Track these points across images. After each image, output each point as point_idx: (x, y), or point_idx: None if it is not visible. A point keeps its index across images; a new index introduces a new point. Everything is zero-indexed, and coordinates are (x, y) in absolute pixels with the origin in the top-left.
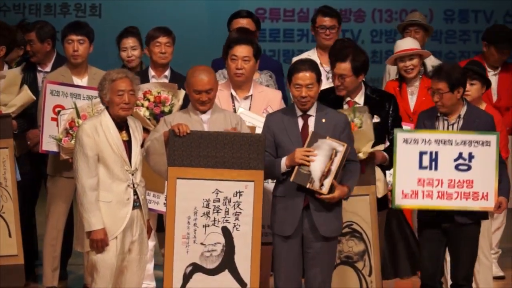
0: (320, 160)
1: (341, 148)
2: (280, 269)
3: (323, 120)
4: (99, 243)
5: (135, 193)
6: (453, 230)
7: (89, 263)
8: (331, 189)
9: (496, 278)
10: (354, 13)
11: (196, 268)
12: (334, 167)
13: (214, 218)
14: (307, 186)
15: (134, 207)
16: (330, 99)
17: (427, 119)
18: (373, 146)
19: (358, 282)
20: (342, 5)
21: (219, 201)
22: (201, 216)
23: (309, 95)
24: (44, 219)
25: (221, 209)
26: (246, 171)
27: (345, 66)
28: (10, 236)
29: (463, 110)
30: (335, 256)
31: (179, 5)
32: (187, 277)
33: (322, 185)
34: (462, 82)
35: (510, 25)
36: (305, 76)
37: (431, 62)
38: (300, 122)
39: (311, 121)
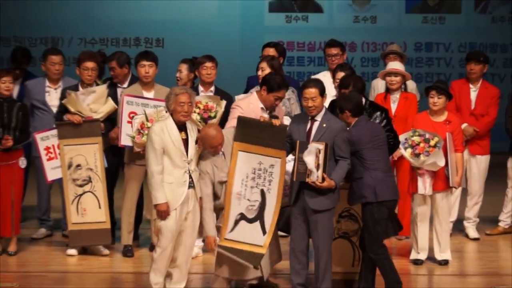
0: (310, 159)
1: (321, 146)
2: (292, 232)
3: (324, 125)
4: (163, 213)
5: (190, 177)
6: None
7: (155, 227)
8: (323, 179)
9: (472, 239)
10: (348, 45)
11: (242, 217)
12: (321, 161)
13: (257, 182)
14: (306, 180)
15: (189, 187)
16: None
17: None
18: None
19: (352, 251)
20: (340, 39)
21: (260, 170)
22: (250, 180)
23: (314, 105)
24: (121, 195)
25: (261, 176)
26: (276, 150)
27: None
28: (100, 207)
29: None
30: (331, 226)
31: (219, 41)
32: (236, 222)
33: (315, 176)
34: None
35: (463, 54)
36: (310, 91)
37: (409, 83)
38: (308, 124)
39: (316, 125)
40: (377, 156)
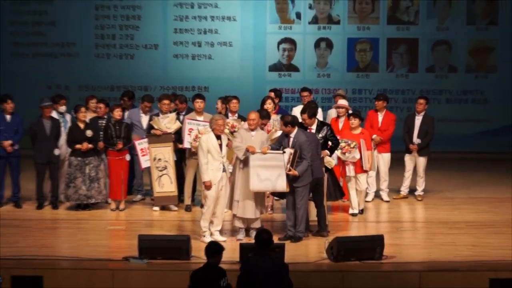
0: (286, 158)
1: (292, 151)
2: (286, 197)
3: (295, 140)
4: (208, 187)
5: (223, 165)
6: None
7: (203, 194)
8: (290, 170)
9: (385, 201)
10: (314, 90)
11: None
12: (291, 160)
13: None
14: (286, 170)
15: (223, 171)
16: (302, 126)
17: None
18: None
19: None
20: (309, 86)
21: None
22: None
23: (282, 130)
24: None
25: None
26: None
27: (304, 116)
28: (171, 183)
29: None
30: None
31: (240, 88)
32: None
33: (287, 168)
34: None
35: (384, 96)
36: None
37: (350, 112)
38: (287, 139)
39: (291, 139)
40: None
